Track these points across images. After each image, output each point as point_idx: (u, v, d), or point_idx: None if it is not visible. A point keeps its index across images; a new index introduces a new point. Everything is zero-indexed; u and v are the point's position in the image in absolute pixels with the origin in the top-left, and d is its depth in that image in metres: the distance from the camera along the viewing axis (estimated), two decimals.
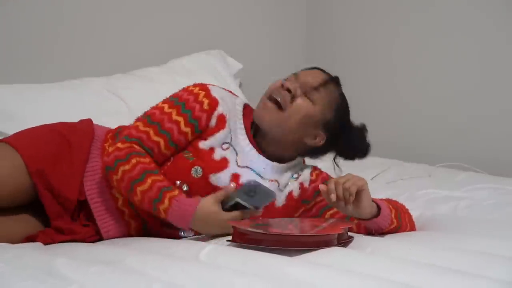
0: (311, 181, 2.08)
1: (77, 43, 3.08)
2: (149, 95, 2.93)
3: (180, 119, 1.97)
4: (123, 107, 2.87)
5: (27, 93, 2.74)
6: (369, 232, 1.97)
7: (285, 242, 1.71)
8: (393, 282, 1.46)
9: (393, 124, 3.49)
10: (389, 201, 2.04)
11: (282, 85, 2.00)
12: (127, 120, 2.78)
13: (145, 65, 3.11)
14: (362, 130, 2.09)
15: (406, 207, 2.06)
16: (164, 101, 2.03)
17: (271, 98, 2.00)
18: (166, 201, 1.88)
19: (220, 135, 1.99)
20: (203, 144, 1.99)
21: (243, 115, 2.05)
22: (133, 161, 1.92)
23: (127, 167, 1.91)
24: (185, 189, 1.96)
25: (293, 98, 1.99)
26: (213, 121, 1.99)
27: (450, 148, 3.23)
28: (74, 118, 2.22)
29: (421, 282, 1.47)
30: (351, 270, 1.52)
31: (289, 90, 1.99)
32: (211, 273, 1.51)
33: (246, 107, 2.08)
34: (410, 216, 2.05)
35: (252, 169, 2.01)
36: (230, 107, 2.02)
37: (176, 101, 2.00)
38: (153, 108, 2.03)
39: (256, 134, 2.05)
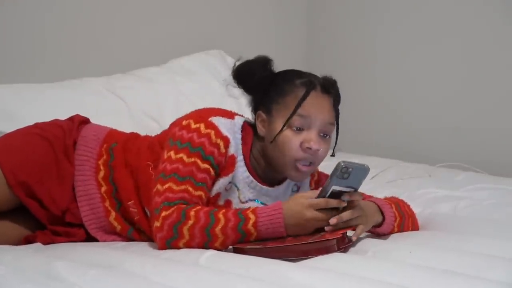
0: (314, 182, 2.07)
1: (77, 43, 3.07)
2: (149, 95, 2.97)
3: (207, 166, 1.85)
4: (123, 107, 2.86)
5: (27, 93, 2.73)
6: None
7: (285, 252, 1.70)
8: (394, 286, 1.46)
9: (393, 124, 3.49)
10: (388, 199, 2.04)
11: (305, 146, 1.88)
12: (127, 120, 2.80)
13: (145, 65, 3.10)
14: None
15: (405, 201, 2.06)
16: (175, 150, 1.85)
17: (305, 161, 1.89)
18: (251, 215, 1.76)
19: (226, 179, 1.91)
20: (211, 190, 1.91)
21: (242, 142, 1.94)
22: (192, 213, 1.76)
23: (190, 222, 1.75)
24: None
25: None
26: (225, 163, 1.90)
27: (450, 148, 3.23)
28: None
29: (422, 285, 1.47)
30: (352, 274, 1.52)
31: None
32: (211, 277, 1.51)
33: (244, 129, 1.96)
34: (408, 207, 2.04)
35: (254, 200, 1.96)
36: (235, 140, 1.91)
37: (190, 146, 1.84)
38: (169, 162, 1.84)
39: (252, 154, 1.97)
